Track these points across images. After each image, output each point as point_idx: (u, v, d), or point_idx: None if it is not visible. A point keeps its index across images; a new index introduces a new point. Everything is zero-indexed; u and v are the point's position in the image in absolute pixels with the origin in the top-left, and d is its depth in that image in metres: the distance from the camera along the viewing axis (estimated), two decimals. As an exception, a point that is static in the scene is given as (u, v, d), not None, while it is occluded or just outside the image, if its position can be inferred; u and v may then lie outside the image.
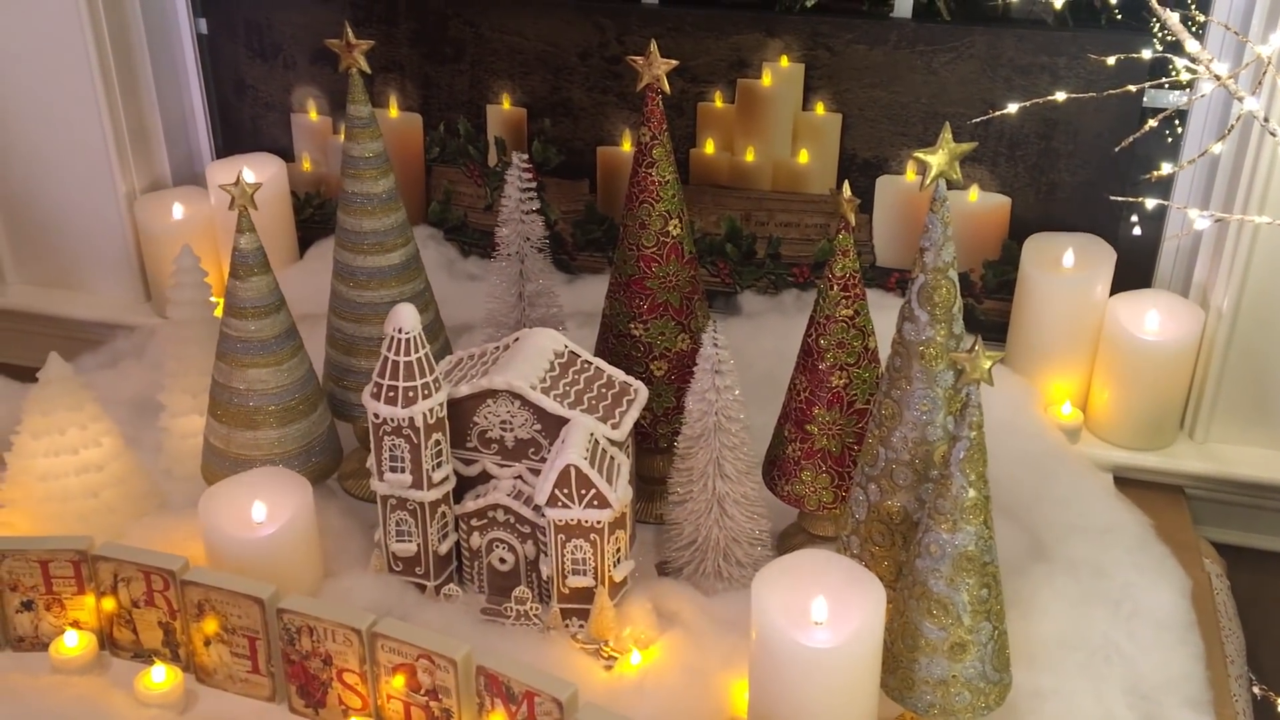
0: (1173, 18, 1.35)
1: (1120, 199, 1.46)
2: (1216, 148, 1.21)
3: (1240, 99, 1.31)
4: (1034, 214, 2.00)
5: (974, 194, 2.01)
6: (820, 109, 2.03)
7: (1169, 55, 1.37)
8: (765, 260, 2.15)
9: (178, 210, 2.22)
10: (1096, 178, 1.95)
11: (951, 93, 1.96)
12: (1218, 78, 1.32)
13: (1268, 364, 1.88)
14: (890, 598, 1.39)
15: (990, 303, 2.07)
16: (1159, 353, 1.87)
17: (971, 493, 1.30)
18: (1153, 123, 1.28)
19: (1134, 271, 1.98)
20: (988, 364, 1.27)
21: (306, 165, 2.32)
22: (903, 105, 1.99)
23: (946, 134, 1.29)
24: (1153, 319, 1.88)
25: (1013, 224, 2.02)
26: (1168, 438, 1.95)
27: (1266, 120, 1.33)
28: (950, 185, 1.33)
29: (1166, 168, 1.25)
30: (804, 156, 2.07)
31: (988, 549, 1.32)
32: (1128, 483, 1.91)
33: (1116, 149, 1.34)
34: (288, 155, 2.30)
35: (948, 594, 1.32)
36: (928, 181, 1.30)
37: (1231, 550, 1.99)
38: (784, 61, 2.01)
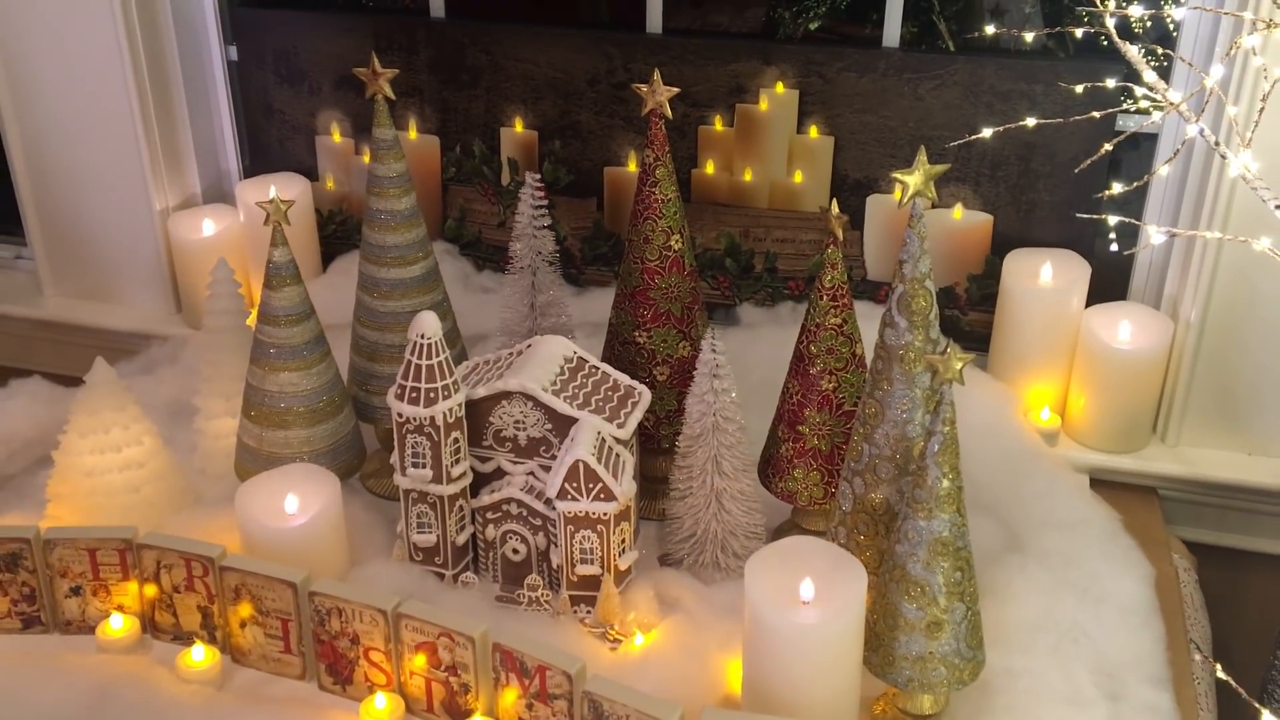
0: (1131, 50, 1.48)
1: (1085, 216, 1.58)
2: (1163, 170, 1.34)
3: (1191, 121, 1.43)
4: (1014, 231, 2.12)
5: (958, 212, 2.13)
6: (814, 132, 2.15)
7: (1130, 84, 1.50)
8: (763, 274, 2.26)
9: (208, 226, 2.33)
10: (1073, 197, 2.06)
11: (936, 117, 2.08)
12: (1172, 104, 1.45)
13: (1233, 371, 1.99)
14: (872, 583, 1.50)
15: (974, 314, 2.19)
16: (1132, 361, 1.98)
17: (945, 483, 1.41)
18: (1108, 147, 1.40)
19: (1110, 285, 2.09)
20: (959, 365, 1.39)
21: (330, 184, 2.44)
22: (891, 129, 2.11)
23: (922, 156, 1.42)
24: (1125, 329, 1.99)
25: (995, 240, 2.13)
26: (1141, 441, 2.05)
27: (1218, 144, 1.46)
28: (935, 206, 1.45)
29: (1118, 187, 1.37)
30: (799, 177, 2.18)
31: (961, 535, 1.44)
32: (1104, 484, 2.01)
33: (1076, 170, 1.47)
34: (312, 175, 2.42)
35: (924, 576, 1.44)
36: (905, 200, 1.43)
37: (1204, 549, 2.08)
38: (780, 88, 2.13)
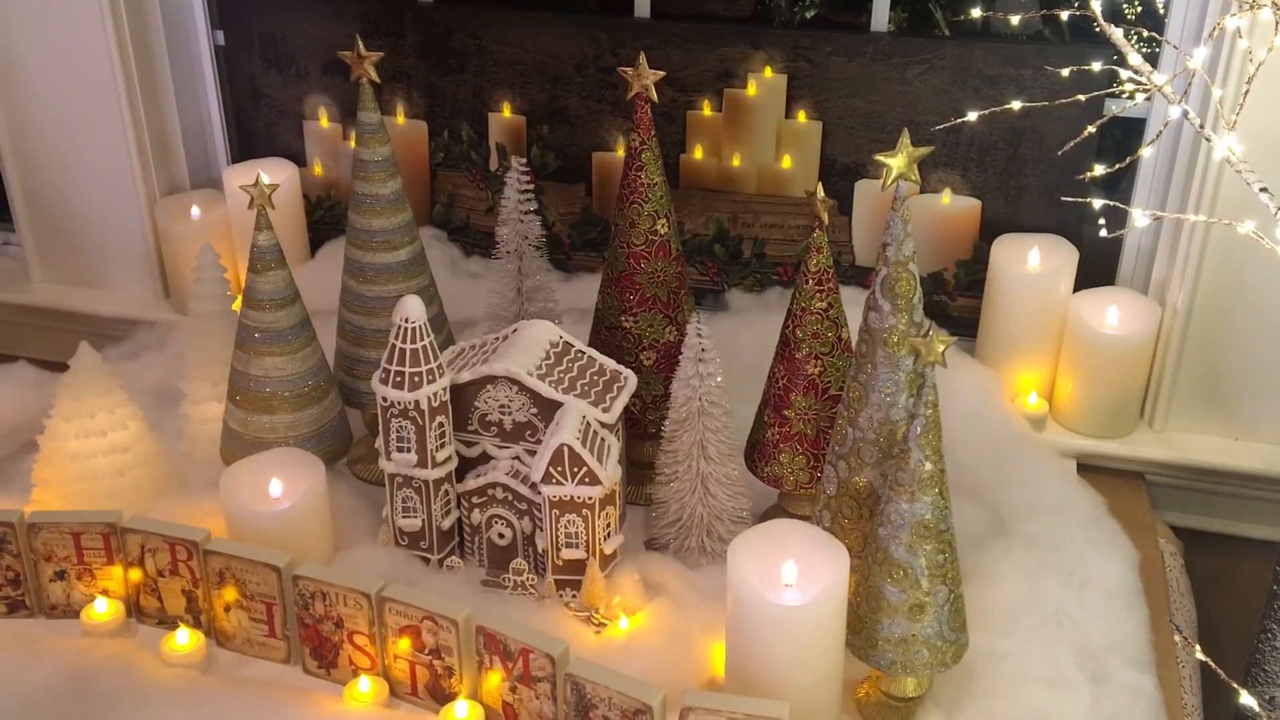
0: (1117, 33, 1.47)
1: (1072, 200, 1.58)
2: (1146, 152, 1.34)
3: (1175, 103, 1.43)
4: (1003, 216, 2.12)
5: (946, 197, 2.13)
6: (802, 117, 2.15)
7: (1115, 68, 1.50)
8: (751, 260, 2.26)
9: (195, 212, 2.33)
10: (1061, 182, 2.06)
11: (924, 102, 2.08)
12: (1156, 86, 1.45)
13: (1220, 357, 1.99)
14: (856, 566, 1.50)
15: (963, 300, 2.19)
16: (1119, 346, 1.98)
17: (928, 465, 1.41)
18: (1091, 129, 1.40)
19: (1098, 270, 2.09)
20: (941, 348, 1.38)
21: (318, 170, 2.44)
22: (879, 114, 2.11)
23: (905, 139, 1.41)
24: (1113, 314, 1.99)
25: (983, 225, 2.13)
26: (1128, 426, 2.06)
27: (1201, 126, 1.45)
28: (923, 191, 1.44)
29: (1100, 169, 1.37)
30: (787, 162, 2.18)
31: (943, 518, 1.44)
32: (1091, 469, 2.01)
33: (1060, 153, 1.46)
34: (300, 160, 2.41)
35: (907, 559, 1.44)
36: (888, 183, 1.42)
37: (1191, 534, 2.09)
38: (768, 73, 2.13)
